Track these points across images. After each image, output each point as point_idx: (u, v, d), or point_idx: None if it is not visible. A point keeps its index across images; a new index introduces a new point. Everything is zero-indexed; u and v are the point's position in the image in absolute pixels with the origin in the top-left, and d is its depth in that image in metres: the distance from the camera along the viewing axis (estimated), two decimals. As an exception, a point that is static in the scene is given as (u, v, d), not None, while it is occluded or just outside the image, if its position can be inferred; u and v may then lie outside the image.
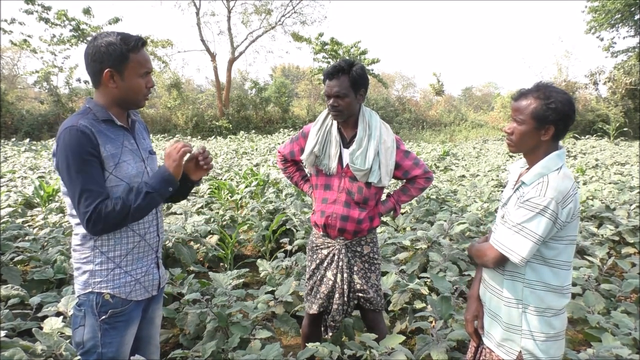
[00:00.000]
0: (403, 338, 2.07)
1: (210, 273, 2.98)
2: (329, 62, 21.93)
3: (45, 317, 2.35)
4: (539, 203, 1.42)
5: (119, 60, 1.47)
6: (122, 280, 1.54)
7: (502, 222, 1.57)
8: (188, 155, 1.62)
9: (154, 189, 1.48)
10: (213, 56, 23.26)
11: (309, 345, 1.97)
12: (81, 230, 1.51)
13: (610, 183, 7.17)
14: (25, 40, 18.21)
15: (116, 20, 19.01)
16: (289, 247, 3.94)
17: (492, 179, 7.85)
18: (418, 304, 2.81)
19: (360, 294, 2.19)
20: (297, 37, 22.48)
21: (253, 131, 20.87)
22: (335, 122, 2.14)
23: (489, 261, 1.54)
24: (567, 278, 1.53)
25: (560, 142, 1.56)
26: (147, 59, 1.55)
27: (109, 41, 1.47)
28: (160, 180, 1.51)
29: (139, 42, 1.50)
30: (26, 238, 3.74)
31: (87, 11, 18.53)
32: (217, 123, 21.21)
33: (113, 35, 1.48)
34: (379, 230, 4.18)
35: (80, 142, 1.40)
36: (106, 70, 1.47)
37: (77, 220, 1.51)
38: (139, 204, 1.45)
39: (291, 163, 2.41)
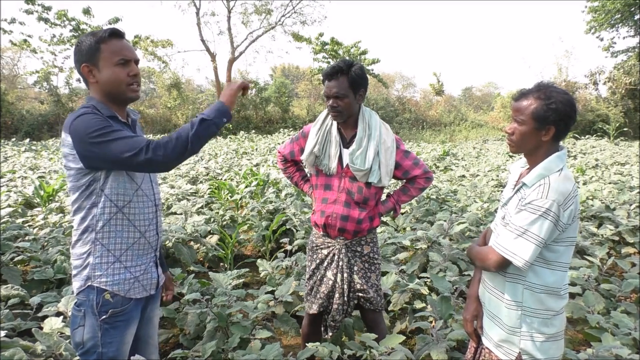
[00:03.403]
0: (403, 338, 2.07)
1: (210, 273, 2.98)
2: (329, 62, 21.93)
3: (45, 317, 2.36)
4: (541, 206, 1.41)
5: (91, 53, 1.49)
6: (121, 276, 1.54)
7: (502, 223, 1.56)
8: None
9: (209, 117, 1.47)
10: (213, 56, 23.27)
11: (309, 345, 1.97)
12: (82, 224, 1.51)
13: (610, 183, 7.17)
14: (25, 40, 18.23)
15: (116, 20, 19.01)
16: (289, 247, 3.94)
17: (492, 179, 7.85)
18: (418, 304, 2.81)
19: (360, 294, 2.19)
20: (297, 37, 22.49)
21: (253, 131, 20.88)
22: (335, 122, 2.14)
23: (491, 265, 1.52)
24: (565, 279, 1.53)
25: (561, 143, 1.56)
26: (123, 47, 1.53)
27: (82, 39, 1.51)
28: (215, 110, 1.50)
29: (107, 33, 1.51)
30: (26, 238, 3.73)
31: (87, 11, 18.55)
32: (217, 123, 21.17)
33: (86, 35, 1.52)
34: (379, 230, 4.18)
35: (98, 118, 1.43)
36: (82, 66, 1.50)
37: (80, 216, 1.51)
38: (196, 130, 1.43)
39: (291, 163, 2.41)
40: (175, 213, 5.05)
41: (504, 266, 1.51)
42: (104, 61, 1.49)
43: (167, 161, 1.41)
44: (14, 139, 16.23)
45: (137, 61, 1.57)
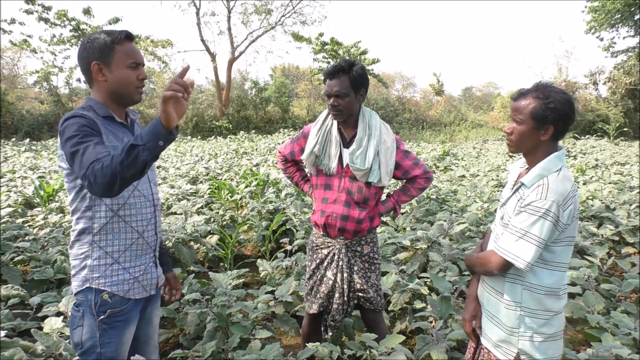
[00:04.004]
0: (403, 338, 2.07)
1: (210, 273, 2.98)
2: (329, 62, 21.93)
3: (46, 317, 2.36)
4: (541, 207, 1.41)
5: (104, 52, 1.48)
6: (120, 277, 1.54)
7: (501, 223, 1.56)
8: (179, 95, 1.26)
9: (141, 140, 1.26)
10: (213, 56, 23.25)
11: (309, 345, 1.97)
12: (79, 225, 1.51)
13: (610, 183, 7.17)
14: (25, 40, 18.22)
15: (116, 20, 19.01)
16: (289, 247, 3.94)
17: (492, 179, 7.85)
18: (418, 304, 2.81)
19: (360, 294, 2.19)
20: (297, 37, 22.48)
21: (253, 131, 20.88)
22: (335, 122, 2.14)
23: (493, 268, 1.51)
24: (564, 279, 1.53)
25: (560, 143, 1.56)
26: (135, 51, 1.54)
27: (94, 37, 1.50)
28: (148, 131, 1.27)
29: (123, 34, 1.51)
30: (26, 238, 3.73)
31: (87, 11, 18.54)
32: (217, 123, 21.22)
33: (98, 33, 1.51)
34: (379, 230, 4.18)
35: (85, 122, 1.41)
36: (93, 64, 1.49)
37: (77, 216, 1.52)
38: (122, 158, 1.24)
39: (291, 163, 2.41)
40: (175, 213, 5.05)
41: (506, 269, 1.50)
42: (117, 62, 1.50)
43: (100, 190, 1.28)
44: (14, 139, 16.22)
45: (144, 65, 1.59)
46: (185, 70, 1.29)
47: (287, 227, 4.53)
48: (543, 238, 1.41)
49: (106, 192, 1.29)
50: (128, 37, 1.53)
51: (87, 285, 1.51)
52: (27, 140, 15.79)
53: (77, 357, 1.56)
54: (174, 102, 1.24)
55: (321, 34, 21.55)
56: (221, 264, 4.21)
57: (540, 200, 1.41)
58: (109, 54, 1.49)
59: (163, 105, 1.24)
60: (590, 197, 5.68)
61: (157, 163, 9.45)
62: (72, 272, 1.55)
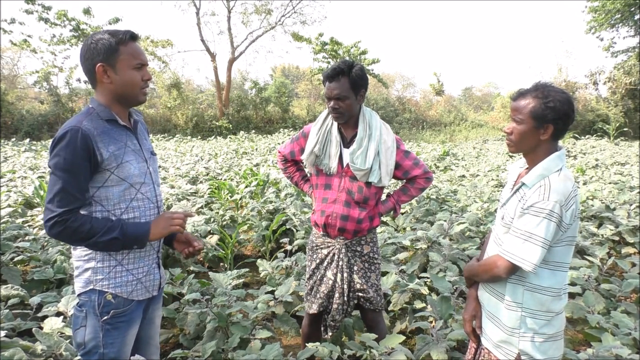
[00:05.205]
0: (403, 338, 2.07)
1: (210, 273, 2.98)
2: (329, 62, 21.93)
3: (45, 317, 2.36)
4: (544, 207, 1.40)
5: (109, 53, 1.47)
6: (123, 278, 1.54)
7: (502, 223, 1.56)
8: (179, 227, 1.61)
9: (124, 237, 1.46)
10: (213, 56, 23.27)
11: (309, 345, 1.98)
12: None
13: (610, 183, 7.17)
14: (25, 40, 18.23)
15: (116, 20, 19.02)
16: (289, 247, 3.94)
17: (492, 179, 7.85)
18: (418, 304, 2.81)
19: (360, 294, 2.19)
20: (297, 37, 22.49)
21: (253, 131, 20.89)
22: (335, 122, 2.14)
23: (500, 272, 1.50)
24: (565, 279, 1.53)
25: (560, 142, 1.56)
26: (139, 52, 1.53)
27: (98, 38, 1.48)
28: (135, 233, 1.49)
29: (127, 35, 1.50)
30: (26, 238, 3.73)
31: (87, 11, 18.56)
32: (217, 123, 21.22)
33: (102, 33, 1.50)
34: (379, 230, 4.18)
35: (77, 145, 1.40)
36: (98, 65, 1.47)
37: None
38: (101, 240, 1.43)
39: (291, 163, 2.41)
40: (175, 213, 5.04)
41: (513, 272, 1.49)
42: (122, 63, 1.48)
43: (59, 237, 1.44)
44: (14, 139, 16.22)
45: (147, 65, 1.59)
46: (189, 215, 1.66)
47: (287, 227, 4.53)
48: (548, 239, 1.41)
49: (61, 240, 1.49)
50: (132, 37, 1.52)
51: (91, 287, 1.51)
52: (27, 140, 15.80)
53: (79, 357, 1.56)
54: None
55: (321, 34, 21.56)
56: (221, 264, 4.21)
57: (543, 202, 1.41)
58: (113, 55, 1.47)
59: (164, 230, 1.55)
60: (590, 197, 5.68)
61: (158, 163, 9.46)
62: (75, 273, 1.55)
